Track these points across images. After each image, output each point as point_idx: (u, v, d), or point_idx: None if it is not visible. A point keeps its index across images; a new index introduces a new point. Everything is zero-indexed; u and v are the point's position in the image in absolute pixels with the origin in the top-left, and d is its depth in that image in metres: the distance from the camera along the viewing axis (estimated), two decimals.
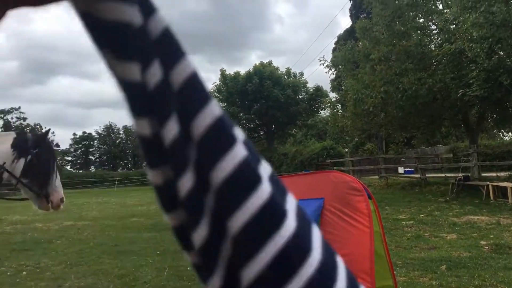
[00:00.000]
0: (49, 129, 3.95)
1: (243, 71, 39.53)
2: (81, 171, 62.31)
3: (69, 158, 68.93)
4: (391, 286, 3.57)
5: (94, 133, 72.31)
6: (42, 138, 3.83)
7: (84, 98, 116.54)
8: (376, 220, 3.51)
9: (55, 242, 9.25)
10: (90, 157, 71.74)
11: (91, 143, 71.68)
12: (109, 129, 72.87)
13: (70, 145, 69.81)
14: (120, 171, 63.78)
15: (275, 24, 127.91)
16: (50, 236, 10.06)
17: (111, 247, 8.45)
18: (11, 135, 3.82)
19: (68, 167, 66.66)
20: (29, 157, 3.69)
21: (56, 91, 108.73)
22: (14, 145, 3.69)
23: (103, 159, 72.42)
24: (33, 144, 3.75)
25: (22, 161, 3.68)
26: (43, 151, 3.76)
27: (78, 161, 70.68)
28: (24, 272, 6.50)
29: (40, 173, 3.73)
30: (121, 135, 74.12)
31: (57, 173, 3.92)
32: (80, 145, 70.36)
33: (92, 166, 70.14)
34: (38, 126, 63.54)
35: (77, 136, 70.69)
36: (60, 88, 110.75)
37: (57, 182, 3.90)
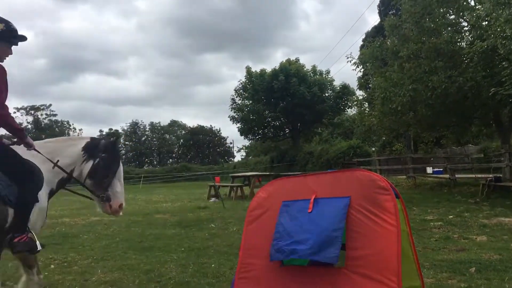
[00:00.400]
0: (119, 138, 4.23)
1: (268, 68, 39.43)
2: None
3: None
4: (418, 286, 3.49)
5: (120, 130, 73.51)
6: (112, 145, 4.14)
7: (111, 95, 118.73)
8: (403, 220, 3.43)
9: (82, 236, 9.41)
10: None
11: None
12: (135, 126, 73.92)
13: None
14: (146, 168, 64.62)
15: (301, 21, 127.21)
16: (78, 231, 10.24)
17: (137, 243, 8.54)
18: (85, 139, 4.23)
19: None
20: (97, 160, 4.03)
21: (83, 88, 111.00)
22: (85, 148, 4.09)
23: (129, 156, 73.53)
24: (102, 148, 4.10)
25: (90, 163, 4.05)
26: (110, 156, 4.08)
27: None
28: (52, 266, 6.62)
29: (103, 176, 4.02)
30: (147, 132, 75.14)
31: (121, 180, 4.21)
32: None
33: None
34: (66, 123, 64.94)
35: (104, 133, 72.08)
36: (87, 85, 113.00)
37: (119, 188, 4.20)
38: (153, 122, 75.58)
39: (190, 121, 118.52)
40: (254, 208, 4.02)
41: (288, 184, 3.97)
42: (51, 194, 4.01)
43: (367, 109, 22.18)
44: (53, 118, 64.41)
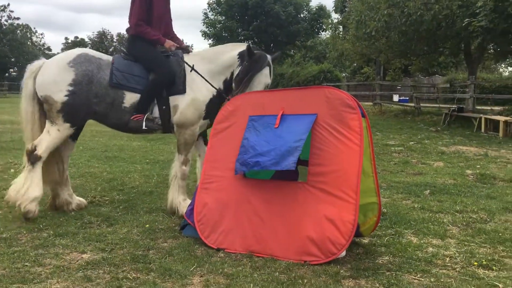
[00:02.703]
0: (259, 52, 4.52)
1: None
2: None
3: None
4: (375, 203, 3.61)
5: (86, 39, 70.46)
6: (251, 56, 4.42)
7: (74, 1, 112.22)
8: (367, 138, 3.46)
9: None
10: None
11: None
12: (102, 35, 70.95)
13: (62, 49, 68.06)
14: None
15: None
16: None
17: (101, 153, 8.48)
18: (242, 46, 4.65)
19: None
20: (241, 67, 4.50)
21: None
22: (239, 54, 4.56)
23: None
24: (246, 58, 4.46)
25: (239, 68, 4.53)
26: (248, 67, 4.43)
27: None
28: (12, 170, 6.52)
29: (238, 83, 4.48)
30: (114, 43, 72.41)
31: (245, 90, 4.51)
32: None
33: None
34: (27, 28, 61.64)
35: (69, 41, 68.98)
36: None
37: None
38: (120, 33, 72.57)
39: None
40: (220, 121, 3.97)
41: (255, 99, 3.91)
42: (218, 93, 4.56)
43: (341, 33, 21.87)
44: (15, 22, 60.76)
